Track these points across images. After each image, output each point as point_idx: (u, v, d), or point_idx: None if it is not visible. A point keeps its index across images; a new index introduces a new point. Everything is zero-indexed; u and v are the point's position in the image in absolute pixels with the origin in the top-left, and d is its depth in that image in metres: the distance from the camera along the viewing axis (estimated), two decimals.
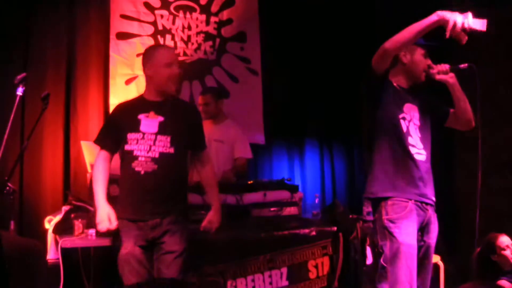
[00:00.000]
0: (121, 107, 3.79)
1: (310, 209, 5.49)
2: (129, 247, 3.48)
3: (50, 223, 4.32)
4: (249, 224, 4.50)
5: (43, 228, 4.43)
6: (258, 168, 6.57)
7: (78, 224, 4.06)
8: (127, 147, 3.54)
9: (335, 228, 4.57)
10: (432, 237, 3.54)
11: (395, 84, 3.58)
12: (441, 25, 3.20)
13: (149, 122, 3.57)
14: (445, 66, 3.52)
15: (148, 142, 3.52)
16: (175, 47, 6.22)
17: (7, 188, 3.82)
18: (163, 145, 3.53)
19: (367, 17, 6.74)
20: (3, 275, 3.28)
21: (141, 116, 3.57)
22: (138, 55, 5.93)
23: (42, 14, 5.52)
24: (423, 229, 3.50)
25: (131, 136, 3.54)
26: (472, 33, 3.19)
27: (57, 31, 5.58)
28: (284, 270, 4.38)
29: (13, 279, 3.40)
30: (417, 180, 3.46)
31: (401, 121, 3.49)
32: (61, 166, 5.41)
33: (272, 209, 4.67)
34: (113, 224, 3.50)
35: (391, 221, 3.38)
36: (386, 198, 3.44)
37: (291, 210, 4.74)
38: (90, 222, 4.01)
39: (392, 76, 3.60)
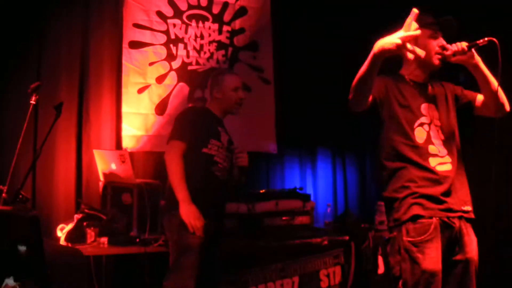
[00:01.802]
0: (205, 111, 4.16)
1: (322, 219, 5.49)
2: (199, 239, 3.69)
3: (62, 231, 4.34)
4: (261, 233, 4.51)
5: (55, 236, 4.43)
6: (270, 177, 6.57)
7: (90, 232, 4.08)
8: (205, 150, 3.88)
9: (347, 238, 4.56)
10: (470, 250, 3.08)
11: (408, 80, 3.23)
12: (387, 52, 2.80)
13: (225, 137, 4.06)
14: (461, 45, 3.02)
15: (225, 153, 3.98)
16: (188, 56, 6.24)
17: (20, 196, 3.83)
18: (229, 160, 4.02)
19: (380, 26, 6.72)
20: (46, 281, 3.31)
21: (220, 128, 4.04)
22: (150, 64, 5.95)
23: (55, 23, 5.54)
24: (454, 244, 3.07)
25: (213, 142, 3.92)
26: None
27: (70, 40, 5.60)
28: (296, 279, 4.38)
29: (57, 285, 3.43)
30: (439, 195, 3.05)
31: (417, 129, 3.12)
32: (73, 174, 5.41)
33: (284, 218, 4.67)
34: (203, 221, 3.71)
35: (414, 245, 2.99)
36: (407, 219, 3.04)
37: (303, 219, 4.75)
38: (102, 230, 4.03)
39: (404, 70, 3.29)
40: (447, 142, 3.15)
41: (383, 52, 2.79)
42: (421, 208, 3.02)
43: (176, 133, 3.89)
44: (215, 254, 3.92)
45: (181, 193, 3.70)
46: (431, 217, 3.00)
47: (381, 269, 4.64)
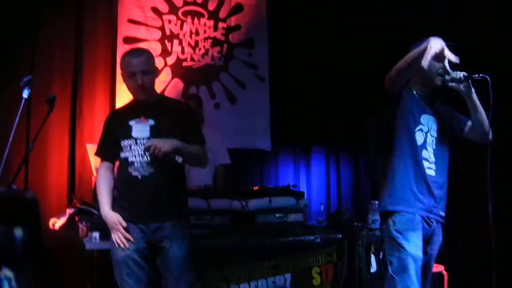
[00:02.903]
0: (113, 114, 3.88)
1: (315, 216, 5.48)
2: (127, 250, 3.44)
3: (54, 226, 4.32)
4: (254, 230, 4.49)
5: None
6: (264, 174, 6.58)
7: (82, 227, 4.05)
8: (122, 154, 3.52)
9: (340, 236, 4.55)
10: (435, 248, 3.61)
11: (415, 93, 3.60)
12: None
13: (140, 127, 3.52)
14: (459, 74, 3.43)
15: (141, 147, 3.46)
16: (183, 52, 6.23)
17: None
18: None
19: (376, 26, 6.72)
20: (44, 270, 3.28)
21: (131, 122, 3.52)
22: None
23: (49, 17, 5.54)
24: (426, 241, 3.55)
25: (124, 143, 3.50)
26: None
27: (64, 34, 5.60)
28: (288, 276, 4.36)
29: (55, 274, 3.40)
30: (425, 195, 3.51)
31: (417, 133, 3.53)
32: (66, 169, 5.41)
33: (277, 215, 4.65)
34: (124, 225, 3.45)
35: (399, 232, 3.45)
36: (393, 212, 3.50)
37: (296, 217, 4.72)
38: (95, 225, 4.00)
39: (412, 84, 3.61)
40: (438, 153, 3.57)
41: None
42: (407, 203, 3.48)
43: (97, 152, 3.70)
44: (172, 256, 3.48)
45: (101, 209, 3.54)
46: (415, 214, 3.47)
47: (373, 268, 4.64)
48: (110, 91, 5.75)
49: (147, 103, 3.54)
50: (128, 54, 3.62)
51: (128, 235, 3.43)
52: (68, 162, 5.44)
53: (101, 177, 3.61)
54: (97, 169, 3.71)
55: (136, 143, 3.48)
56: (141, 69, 3.45)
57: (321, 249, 4.49)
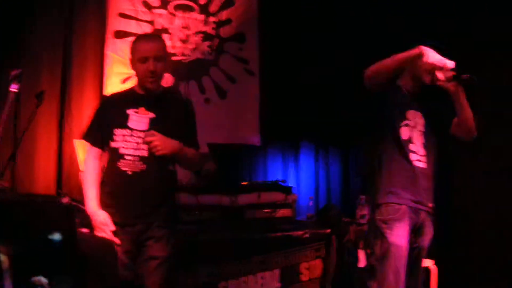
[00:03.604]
0: (110, 99, 3.54)
1: (304, 212, 5.50)
2: (103, 249, 3.25)
3: None
4: (243, 225, 4.51)
5: None
6: (253, 169, 6.57)
7: None
8: (113, 144, 3.27)
9: (329, 231, 4.57)
10: (425, 240, 3.60)
11: (403, 89, 3.65)
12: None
13: (139, 119, 3.28)
14: (449, 74, 3.48)
15: (136, 140, 3.23)
16: (173, 46, 6.21)
17: None
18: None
19: (365, 20, 6.73)
20: (80, 277, 3.23)
21: (130, 111, 3.27)
22: None
23: (38, 10, 5.50)
24: (416, 232, 3.56)
25: (117, 132, 3.25)
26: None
27: (53, 28, 5.56)
28: (277, 271, 4.38)
29: (90, 276, 3.32)
30: (414, 187, 3.53)
31: (403, 128, 3.57)
32: (54, 164, 5.38)
33: (266, 210, 4.66)
34: (112, 228, 3.22)
35: (384, 222, 3.48)
36: (382, 203, 3.53)
37: (284, 212, 4.74)
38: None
39: (400, 80, 3.67)
40: (426, 147, 3.61)
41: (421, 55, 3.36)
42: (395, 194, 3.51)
43: (86, 135, 3.43)
44: (155, 256, 3.25)
45: (87, 205, 3.28)
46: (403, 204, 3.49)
47: (362, 263, 4.66)
48: (99, 86, 5.72)
49: (149, 94, 3.33)
50: (141, 38, 3.54)
51: (115, 239, 3.20)
52: (56, 157, 5.40)
53: (89, 167, 3.36)
54: (85, 157, 3.44)
55: (131, 135, 3.25)
56: (154, 55, 3.26)
57: (310, 244, 4.52)
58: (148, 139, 3.17)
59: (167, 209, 3.35)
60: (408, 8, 6.21)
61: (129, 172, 3.23)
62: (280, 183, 4.84)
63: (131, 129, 3.26)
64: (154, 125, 3.27)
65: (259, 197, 4.65)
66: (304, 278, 4.47)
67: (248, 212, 4.60)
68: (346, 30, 6.63)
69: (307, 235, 4.50)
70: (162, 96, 3.41)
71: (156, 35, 3.44)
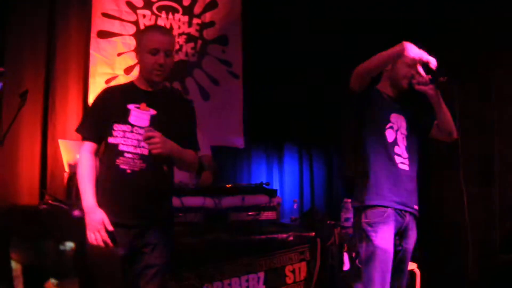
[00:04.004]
0: (109, 92, 3.32)
1: (288, 214, 5.50)
2: (108, 254, 3.07)
3: None
4: (227, 227, 4.48)
5: None
6: (237, 171, 6.57)
7: None
8: (111, 140, 3.13)
9: (313, 234, 4.57)
10: (410, 242, 3.68)
11: (382, 93, 3.74)
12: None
13: (140, 115, 3.16)
14: (426, 77, 3.58)
15: (136, 137, 3.12)
16: None
17: None
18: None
19: (351, 23, 6.75)
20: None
21: (131, 106, 3.15)
22: (119, 54, 5.90)
23: (20, 10, 5.44)
24: (401, 235, 3.65)
25: (117, 127, 3.13)
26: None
27: (36, 27, 5.50)
28: (261, 274, 4.37)
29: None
30: (399, 189, 3.60)
31: (388, 130, 3.63)
32: (38, 164, 5.33)
33: (250, 213, 4.64)
34: (110, 229, 3.06)
35: (369, 225, 3.54)
36: (367, 206, 3.59)
37: (269, 215, 4.72)
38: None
39: (380, 85, 3.78)
40: (409, 150, 3.69)
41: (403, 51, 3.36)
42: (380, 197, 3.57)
43: (81, 128, 3.27)
44: (153, 263, 3.17)
45: (84, 202, 3.10)
46: (388, 207, 3.56)
47: (346, 265, 4.68)
48: (83, 85, 5.69)
49: (152, 90, 3.24)
50: (153, 28, 3.45)
51: (109, 241, 3.05)
52: (40, 157, 5.35)
53: (85, 162, 3.16)
54: (80, 151, 3.24)
55: (132, 131, 3.13)
56: (166, 48, 3.15)
57: (294, 247, 4.52)
58: (149, 134, 3.02)
59: (165, 212, 3.29)
60: None
61: (128, 171, 3.12)
62: (264, 185, 4.83)
63: (132, 125, 3.15)
64: (155, 122, 3.17)
65: (243, 200, 4.63)
66: (289, 280, 4.47)
67: (232, 214, 4.58)
68: (331, 33, 6.66)
69: (291, 238, 4.50)
70: (164, 94, 3.33)
71: (168, 29, 3.30)
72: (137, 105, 3.17)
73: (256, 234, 4.44)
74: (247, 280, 4.32)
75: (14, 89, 4.63)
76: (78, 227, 3.18)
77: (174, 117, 3.25)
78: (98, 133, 3.20)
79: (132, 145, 3.13)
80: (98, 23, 5.92)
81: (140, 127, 3.14)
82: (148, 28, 3.39)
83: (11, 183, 5.21)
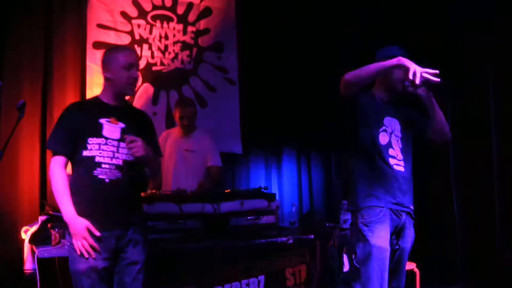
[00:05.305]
0: (77, 107, 3.53)
1: (287, 218, 5.51)
2: (91, 261, 3.23)
3: (26, 234, 4.28)
4: (227, 232, 4.49)
5: (19, 239, 4.38)
6: (236, 177, 6.60)
7: (55, 234, 4.01)
8: (86, 153, 3.30)
9: (312, 236, 4.59)
10: (407, 241, 3.70)
11: (376, 97, 3.76)
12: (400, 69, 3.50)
13: (112, 128, 3.37)
14: (418, 80, 3.52)
15: (111, 148, 3.33)
16: (152, 56, 6.23)
17: None
18: (126, 152, 3.34)
19: (347, 26, 6.79)
20: None
21: (102, 120, 3.35)
22: None
23: (17, 23, 5.49)
24: (398, 234, 3.67)
25: (92, 140, 3.30)
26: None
27: (33, 40, 5.54)
28: (262, 278, 4.39)
29: None
30: (395, 190, 3.63)
31: (382, 133, 3.66)
32: (37, 175, 5.36)
33: (249, 217, 4.66)
34: (97, 234, 3.23)
35: (365, 225, 3.57)
36: (363, 207, 3.61)
37: (268, 219, 4.73)
38: (67, 232, 3.98)
39: (374, 88, 3.79)
40: (404, 152, 3.73)
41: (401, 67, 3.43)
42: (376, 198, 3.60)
43: (51, 143, 3.41)
44: (133, 261, 3.37)
45: (65, 212, 3.25)
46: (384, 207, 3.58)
47: (346, 267, 4.69)
48: (80, 96, 5.71)
49: (116, 105, 3.44)
50: (121, 47, 3.77)
51: (96, 245, 3.22)
52: (39, 168, 5.39)
53: (59, 175, 3.30)
54: (51, 166, 3.36)
55: (106, 143, 3.33)
56: (136, 63, 3.48)
57: (294, 250, 4.53)
58: (132, 138, 3.26)
59: (140, 215, 3.54)
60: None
61: (107, 180, 3.31)
62: (263, 190, 4.84)
63: (106, 138, 3.35)
64: (125, 134, 3.37)
65: (242, 205, 4.63)
66: (289, 283, 4.48)
67: (231, 219, 4.59)
68: (326, 38, 6.70)
69: (291, 241, 4.51)
70: (128, 108, 3.62)
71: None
72: (108, 119, 3.38)
73: (256, 238, 4.46)
74: (247, 284, 4.34)
75: (12, 102, 4.66)
76: None
77: (140, 129, 3.47)
78: (69, 148, 3.34)
79: (108, 157, 3.33)
80: (94, 34, 5.96)
81: (113, 140, 3.36)
82: (114, 47, 3.65)
83: (11, 194, 5.25)
